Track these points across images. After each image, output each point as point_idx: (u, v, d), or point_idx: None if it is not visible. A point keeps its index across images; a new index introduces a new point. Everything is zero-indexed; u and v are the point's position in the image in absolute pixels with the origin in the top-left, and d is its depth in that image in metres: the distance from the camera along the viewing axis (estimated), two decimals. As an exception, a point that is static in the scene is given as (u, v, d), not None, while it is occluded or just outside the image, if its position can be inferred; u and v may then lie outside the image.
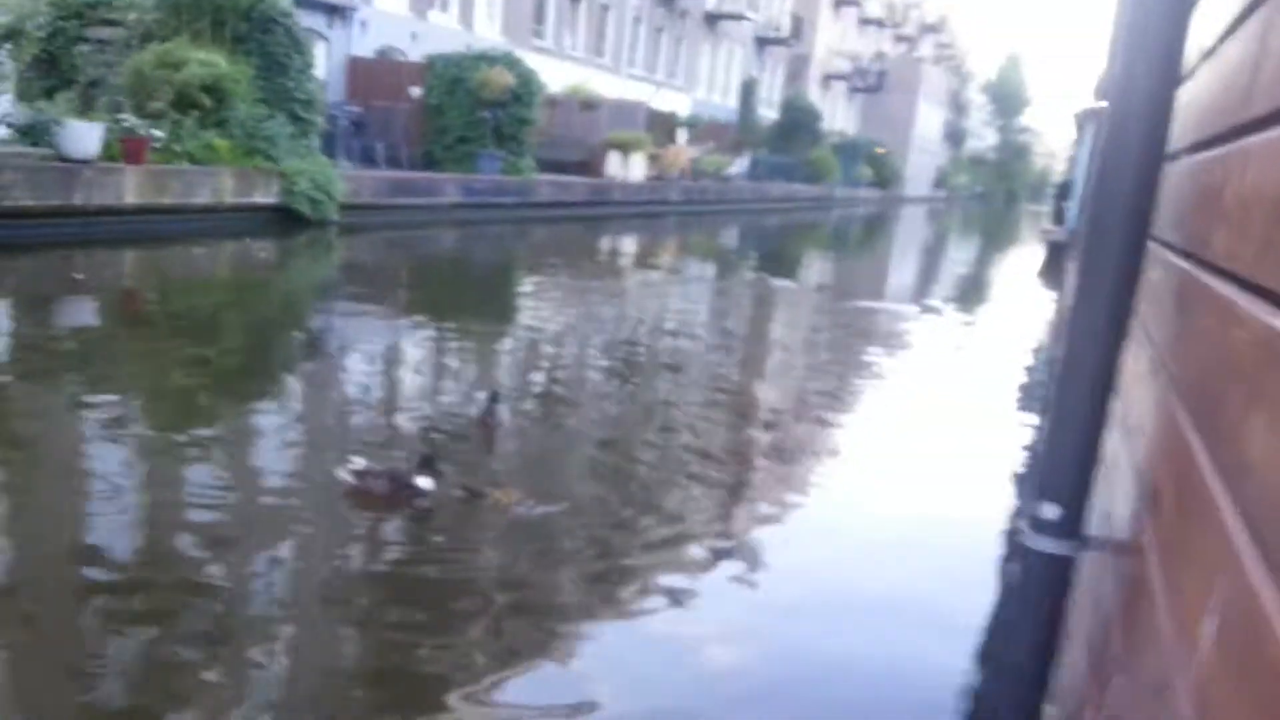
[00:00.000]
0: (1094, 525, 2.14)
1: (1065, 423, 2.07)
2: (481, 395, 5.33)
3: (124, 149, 10.99)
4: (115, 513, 3.77)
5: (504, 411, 5.19)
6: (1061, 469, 2.04)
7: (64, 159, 10.30)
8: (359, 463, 4.03)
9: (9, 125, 10.38)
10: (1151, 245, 2.17)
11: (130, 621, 2.96)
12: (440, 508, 3.96)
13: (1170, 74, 2.03)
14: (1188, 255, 1.81)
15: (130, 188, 10.89)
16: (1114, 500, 2.27)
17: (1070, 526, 2.02)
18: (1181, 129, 2.16)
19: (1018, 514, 4.72)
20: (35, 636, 2.85)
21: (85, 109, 11.18)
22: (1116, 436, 2.49)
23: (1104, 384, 2.08)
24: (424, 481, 3.97)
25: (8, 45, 9.19)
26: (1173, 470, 1.43)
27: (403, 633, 3.07)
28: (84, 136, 10.44)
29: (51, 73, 13.10)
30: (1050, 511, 2.03)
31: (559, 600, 3.37)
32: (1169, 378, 1.73)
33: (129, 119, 11.28)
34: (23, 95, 11.42)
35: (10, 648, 2.77)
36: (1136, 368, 2.38)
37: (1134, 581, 1.55)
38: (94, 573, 3.30)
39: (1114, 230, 2.05)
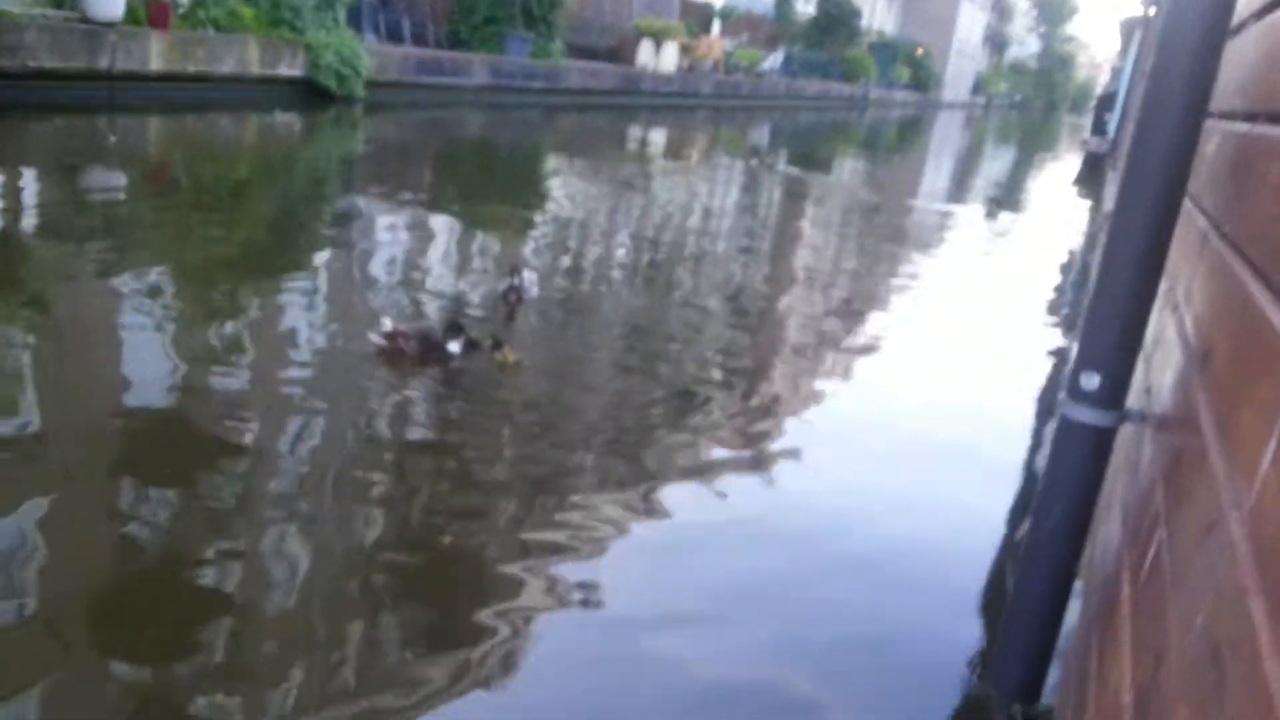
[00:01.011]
0: (1133, 400, 2.13)
1: (1108, 293, 2.04)
2: (508, 272, 5.33)
3: (149, 12, 10.85)
4: (143, 373, 3.81)
5: (531, 284, 5.20)
6: (1103, 339, 2.02)
7: (88, 21, 10.17)
8: (388, 325, 4.07)
9: (32, -17, 10.25)
10: (1208, 122, 2.13)
11: (159, 481, 3.01)
12: (467, 369, 4.02)
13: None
14: (1251, 117, 1.78)
15: (155, 53, 10.77)
16: (1157, 374, 2.27)
17: (1110, 397, 2.02)
18: (1247, 2, 2.11)
19: (1056, 388, 4.80)
20: (70, 490, 2.91)
21: (109, -30, 11.00)
22: (1160, 315, 2.48)
23: (1152, 257, 2.05)
24: (453, 345, 4.03)
25: (31, -102, 9.02)
26: (1229, 324, 1.42)
27: (426, 483, 3.13)
28: (108, -3, 10.29)
29: (74, -68, 12.88)
30: (1090, 381, 2.02)
31: (578, 478, 3.40)
32: (1225, 239, 1.71)
33: (153, -18, 11.10)
34: (45, -46, 11.25)
35: (47, 499, 2.83)
36: (1185, 245, 2.36)
37: (1181, 440, 1.55)
38: (122, 431, 3.35)
39: (1171, 106, 2.01)
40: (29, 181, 7.52)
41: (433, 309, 5.01)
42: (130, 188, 7.80)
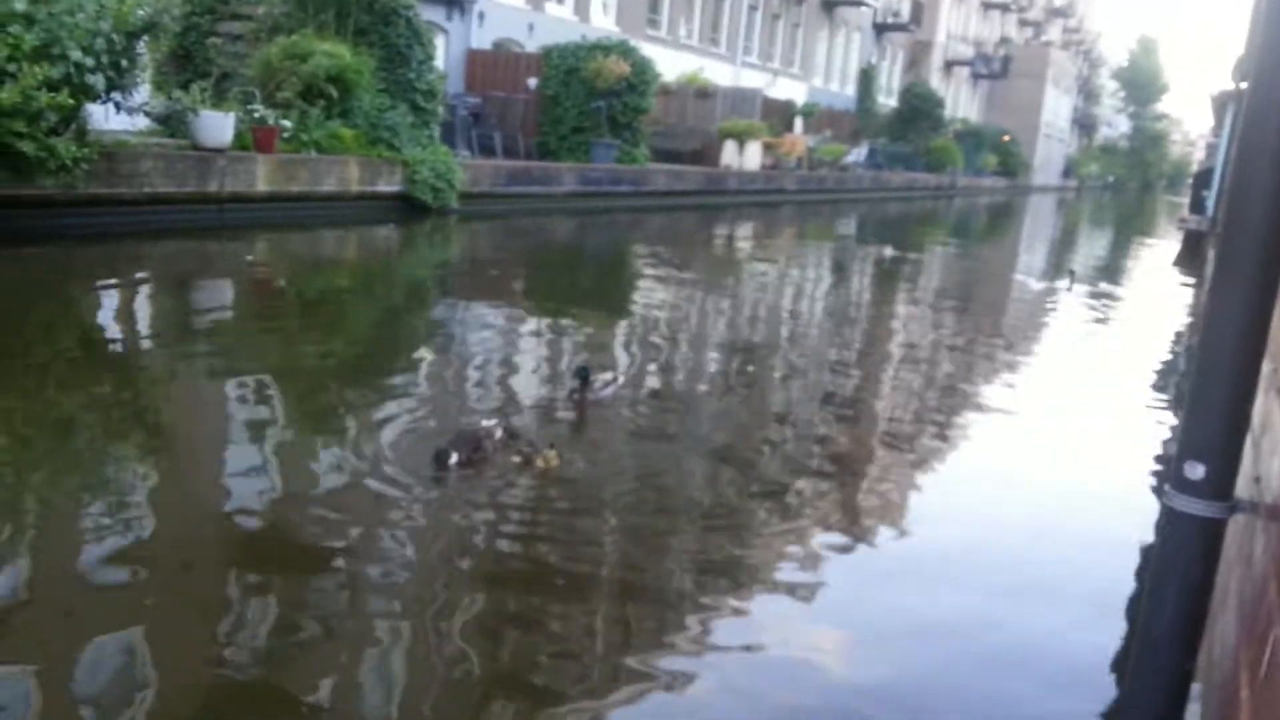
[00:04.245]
0: (1243, 490, 2.05)
1: (1209, 378, 1.99)
2: (574, 374, 5.33)
3: (255, 138, 11.41)
4: (244, 484, 3.93)
5: (604, 385, 5.22)
6: (1206, 426, 1.96)
7: (199, 148, 10.75)
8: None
9: (148, 114, 10.87)
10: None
11: (260, 587, 3.09)
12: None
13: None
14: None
15: (261, 175, 11.31)
16: (1266, 461, 2.18)
17: (1218, 487, 1.94)
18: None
19: (1162, 479, 4.63)
20: (172, 600, 3.00)
21: (218, 100, 11.64)
22: (1265, 399, 2.39)
23: (1253, 342, 1.99)
24: (453, 458, 4.02)
25: (146, 38, 9.60)
26: (1336, 409, 1.37)
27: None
28: (218, 126, 10.88)
29: (186, 67, 13.69)
30: (1195, 471, 1.95)
31: (662, 589, 3.38)
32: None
33: (259, 109, 11.71)
34: (159, 88, 11.96)
35: (150, 608, 2.91)
36: (1290, 326, 2.28)
37: (1291, 531, 1.48)
38: (223, 538, 3.45)
39: (1263, 183, 1.97)
40: (145, 299, 7.90)
41: (505, 411, 5.06)
42: (238, 300, 8.14)
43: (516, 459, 4.15)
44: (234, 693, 2.53)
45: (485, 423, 4.41)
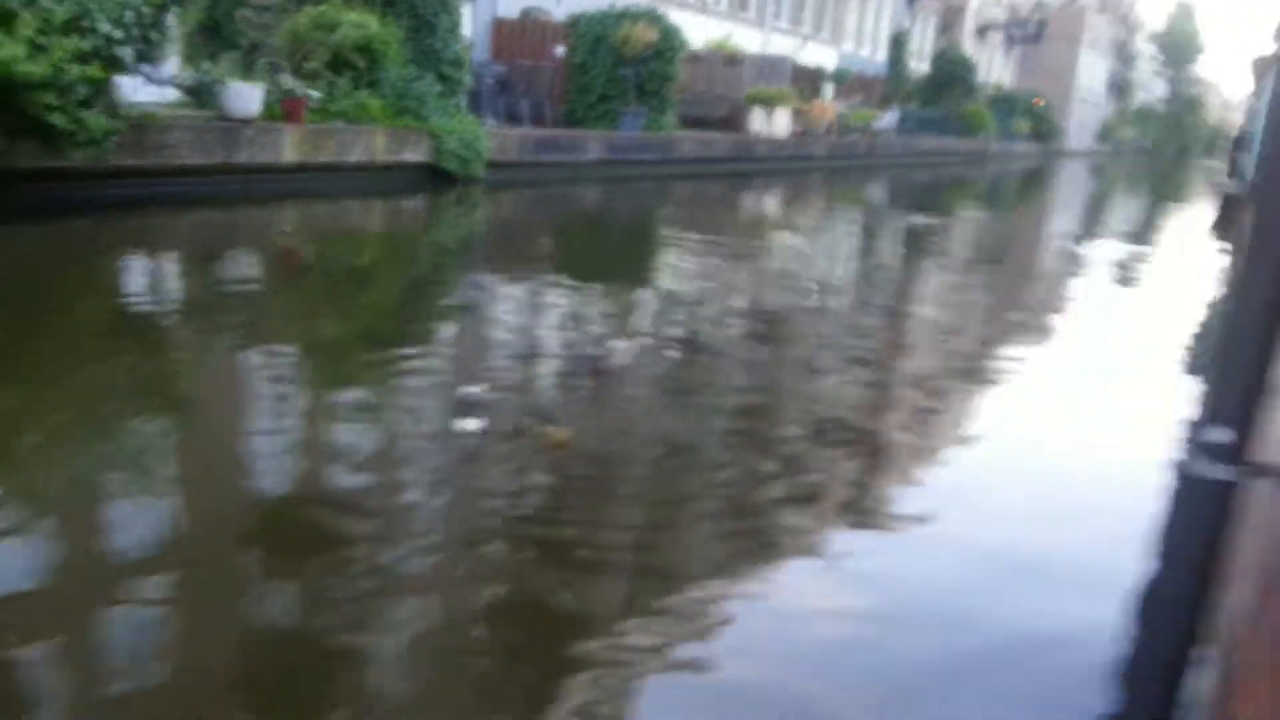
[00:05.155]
0: (1263, 454, 2.03)
1: (1240, 344, 1.96)
2: (593, 342, 5.34)
3: (283, 109, 11.44)
4: (271, 451, 3.98)
5: (623, 354, 5.21)
6: (1232, 391, 1.94)
7: (227, 119, 10.79)
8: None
9: (177, 86, 10.92)
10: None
11: (285, 564, 3.13)
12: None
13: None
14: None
15: (289, 146, 11.35)
16: (1288, 426, 2.15)
17: (1239, 452, 1.93)
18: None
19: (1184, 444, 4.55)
20: (203, 564, 3.04)
21: (246, 71, 11.66)
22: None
23: (1280, 307, 1.96)
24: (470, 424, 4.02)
25: (175, 9, 9.63)
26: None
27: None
28: (246, 97, 10.91)
29: (214, 38, 13.71)
30: (1219, 435, 1.93)
31: (676, 557, 3.39)
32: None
33: (287, 80, 11.73)
34: (188, 59, 12.02)
35: (183, 564, 2.96)
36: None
37: (1309, 495, 1.46)
38: (254, 503, 3.49)
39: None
40: (172, 270, 7.97)
41: (527, 383, 5.08)
42: (265, 269, 8.20)
43: (507, 428, 4.09)
44: (258, 668, 2.57)
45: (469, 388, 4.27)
